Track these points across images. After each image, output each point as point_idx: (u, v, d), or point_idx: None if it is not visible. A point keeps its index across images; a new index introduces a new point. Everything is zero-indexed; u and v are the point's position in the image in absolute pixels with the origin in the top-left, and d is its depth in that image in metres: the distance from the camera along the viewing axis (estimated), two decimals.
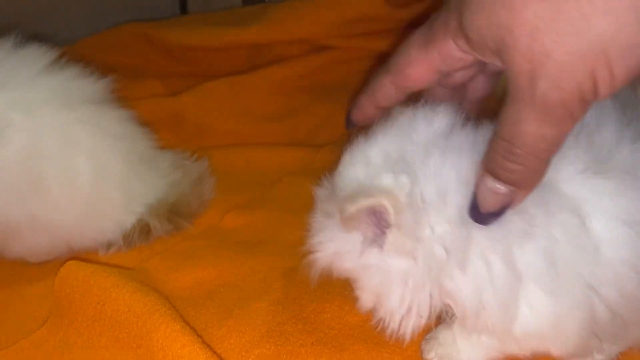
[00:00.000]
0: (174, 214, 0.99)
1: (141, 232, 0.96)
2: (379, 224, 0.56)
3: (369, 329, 0.76)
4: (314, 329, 0.77)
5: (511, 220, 0.55)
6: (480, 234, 0.55)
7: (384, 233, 0.56)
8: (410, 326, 0.59)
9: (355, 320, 0.78)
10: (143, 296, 0.74)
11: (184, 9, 1.80)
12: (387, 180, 0.56)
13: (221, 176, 1.13)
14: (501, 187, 0.52)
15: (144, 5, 1.71)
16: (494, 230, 0.55)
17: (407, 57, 0.58)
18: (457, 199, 0.55)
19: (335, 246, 0.61)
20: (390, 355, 0.72)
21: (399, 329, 0.60)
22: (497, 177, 0.52)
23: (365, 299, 0.62)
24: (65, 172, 0.87)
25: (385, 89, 0.61)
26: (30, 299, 0.84)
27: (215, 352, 0.70)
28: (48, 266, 0.89)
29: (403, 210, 0.55)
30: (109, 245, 0.94)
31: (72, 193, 0.88)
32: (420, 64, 0.58)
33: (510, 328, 0.58)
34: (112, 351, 0.72)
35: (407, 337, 0.60)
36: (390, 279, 0.58)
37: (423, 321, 0.60)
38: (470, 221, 0.55)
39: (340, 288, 0.83)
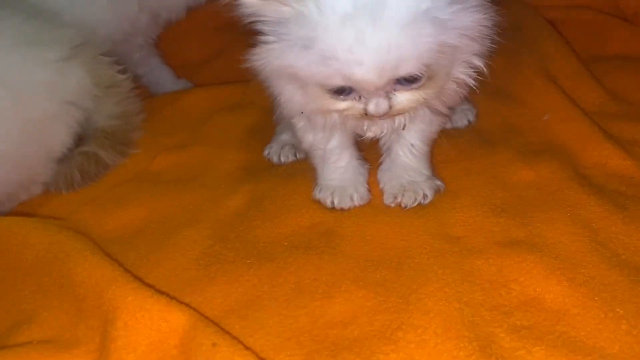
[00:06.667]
0: (114, 142, 0.98)
1: (97, 164, 0.95)
2: None
3: (299, 237, 0.75)
4: (244, 245, 0.75)
5: None
6: None
7: None
8: None
9: (286, 231, 0.76)
10: (62, 238, 0.72)
11: None
12: None
13: (151, 122, 1.10)
14: None
15: None
16: None
17: None
18: None
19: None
20: (320, 255, 0.71)
21: None
22: None
23: None
24: None
25: None
26: None
27: (142, 281, 0.68)
28: None
29: None
30: (68, 182, 0.93)
31: None
32: None
33: None
34: (36, 297, 0.70)
35: None
36: None
37: None
38: None
39: (269, 204, 0.82)
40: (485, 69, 0.70)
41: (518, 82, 0.97)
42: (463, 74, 0.69)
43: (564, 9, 1.14)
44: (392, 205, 0.78)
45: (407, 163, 0.79)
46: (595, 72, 0.98)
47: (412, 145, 0.78)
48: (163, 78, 1.29)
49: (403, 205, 0.77)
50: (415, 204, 0.77)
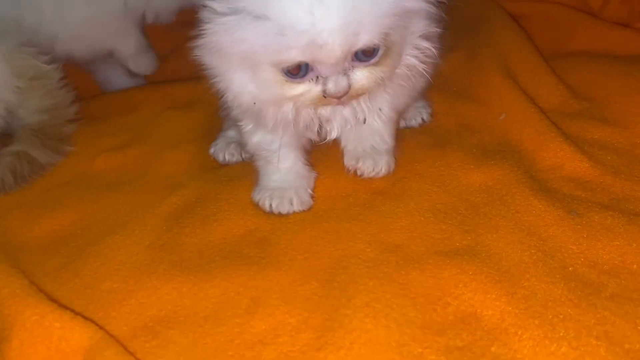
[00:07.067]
0: (45, 139, 0.92)
1: (30, 164, 0.90)
2: None
3: (230, 246, 0.70)
4: (170, 254, 0.69)
5: None
6: None
7: None
8: None
9: (216, 239, 0.71)
10: None
11: None
12: None
13: (96, 121, 1.05)
14: None
15: None
16: None
17: None
18: None
19: None
20: (249, 266, 0.65)
21: None
22: None
23: None
24: None
25: None
26: None
27: (48, 295, 0.62)
28: None
29: None
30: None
31: None
32: None
33: None
34: None
35: None
36: None
37: None
38: None
39: (202, 209, 0.77)
40: (434, 51, 0.67)
41: (476, 78, 0.92)
42: (413, 57, 0.67)
43: (529, 3, 1.09)
44: (351, 169, 0.76)
45: (374, 127, 0.76)
46: (558, 68, 0.93)
47: (380, 110, 0.75)
48: (116, 76, 1.24)
49: (359, 173, 0.76)
50: (372, 174, 0.76)
